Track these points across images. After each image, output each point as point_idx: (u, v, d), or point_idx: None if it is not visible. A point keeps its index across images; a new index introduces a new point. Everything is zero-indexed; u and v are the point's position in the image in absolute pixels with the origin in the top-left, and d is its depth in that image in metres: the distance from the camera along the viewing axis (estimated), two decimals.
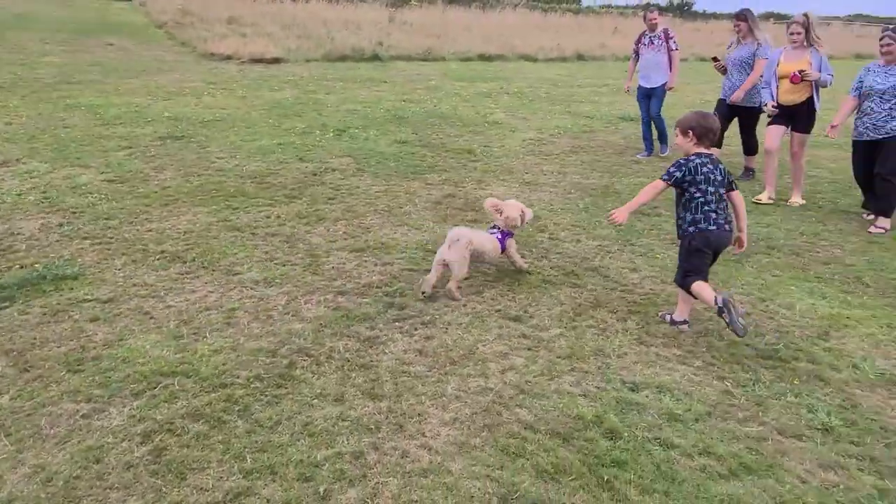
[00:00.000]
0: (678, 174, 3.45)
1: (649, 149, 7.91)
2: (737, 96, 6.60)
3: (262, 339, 3.31)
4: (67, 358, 3.06)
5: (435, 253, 3.91)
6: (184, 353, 3.14)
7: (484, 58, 18.52)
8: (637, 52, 7.84)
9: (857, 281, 4.37)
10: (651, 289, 4.11)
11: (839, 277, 4.42)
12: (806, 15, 5.85)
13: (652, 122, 7.84)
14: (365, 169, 6.66)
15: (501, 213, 4.08)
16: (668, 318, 3.69)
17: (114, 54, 14.46)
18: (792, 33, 5.88)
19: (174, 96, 10.15)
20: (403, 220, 5.19)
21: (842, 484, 2.46)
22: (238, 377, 2.96)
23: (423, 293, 3.80)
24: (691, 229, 3.46)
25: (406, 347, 3.29)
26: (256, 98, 10.42)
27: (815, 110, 5.91)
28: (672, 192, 3.61)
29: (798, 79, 5.76)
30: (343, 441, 2.57)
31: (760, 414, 2.87)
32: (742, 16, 6.71)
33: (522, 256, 4.36)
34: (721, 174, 3.48)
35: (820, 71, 5.76)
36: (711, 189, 3.43)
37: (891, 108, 5.26)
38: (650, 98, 7.75)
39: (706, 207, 3.43)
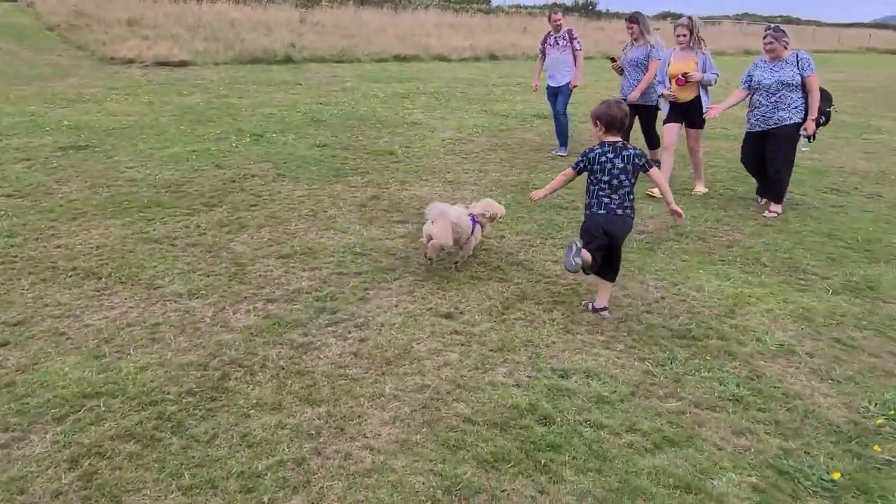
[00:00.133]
0: (581, 163, 3.71)
1: (564, 144, 8.21)
2: (633, 96, 6.95)
3: (190, 352, 3.22)
4: None
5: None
6: (107, 372, 3.01)
7: (399, 58, 18.57)
8: (543, 52, 8.08)
9: (756, 262, 4.75)
10: (573, 279, 4.31)
11: (740, 259, 4.79)
12: (690, 18, 6.22)
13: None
14: (286, 174, 6.56)
15: (493, 213, 4.54)
16: (590, 306, 3.88)
17: (0, 59, 13.44)
18: (678, 35, 6.21)
19: (74, 103, 9.58)
20: (329, 224, 5.16)
21: (752, 447, 2.69)
22: (168, 393, 2.87)
23: (429, 259, 4.28)
24: (586, 212, 3.76)
25: (341, 351, 3.30)
26: (164, 104, 10.01)
27: (706, 107, 6.26)
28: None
29: (682, 81, 6.10)
30: (284, 449, 2.56)
31: (678, 390, 3.09)
32: (634, 19, 7.05)
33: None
34: (623, 161, 3.63)
35: (705, 71, 6.11)
36: (606, 178, 3.65)
37: (777, 101, 5.70)
38: (557, 96, 8.02)
39: (600, 193, 3.67)
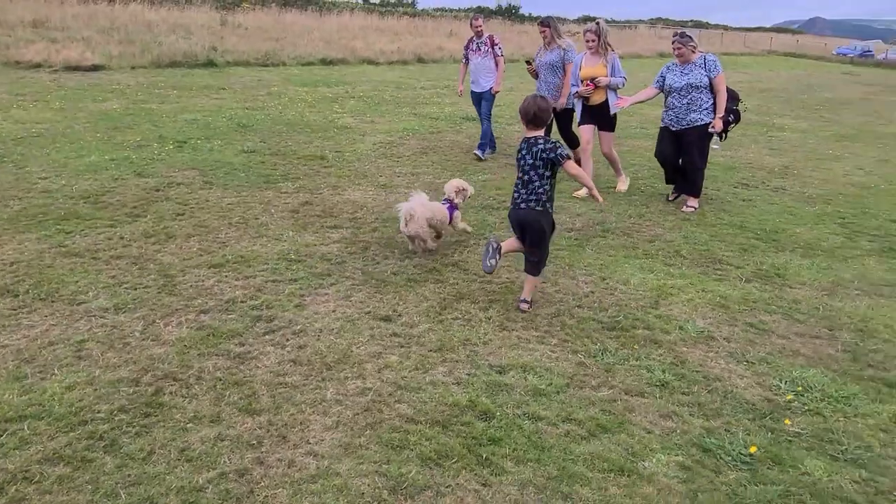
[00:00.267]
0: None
1: (493, 146, 8.37)
2: (561, 104, 7.02)
3: (120, 368, 3.11)
4: None
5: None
6: (30, 394, 2.87)
7: (326, 62, 18.37)
8: (467, 58, 8.15)
9: (677, 254, 5.03)
10: (507, 278, 4.43)
11: (662, 253, 5.05)
12: (598, 23, 6.43)
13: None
14: (213, 181, 6.39)
15: (465, 190, 5.02)
16: (523, 305, 4.00)
17: None
18: (587, 41, 6.39)
19: None
20: (261, 232, 5.08)
21: (678, 429, 2.87)
22: (99, 412, 2.77)
23: (414, 253, 4.69)
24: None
25: (280, 359, 3.27)
26: (78, 110, 9.52)
27: (613, 110, 6.42)
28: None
29: (592, 86, 6.30)
30: (225, 461, 2.53)
31: (610, 379, 3.24)
32: (546, 23, 7.17)
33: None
34: (533, 157, 3.75)
35: (613, 75, 6.32)
36: (520, 173, 3.84)
37: (688, 103, 6.02)
38: (481, 101, 8.11)
39: (516, 187, 3.87)
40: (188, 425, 2.72)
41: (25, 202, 5.45)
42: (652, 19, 59.89)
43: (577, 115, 6.75)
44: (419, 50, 21.77)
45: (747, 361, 3.47)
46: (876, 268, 4.94)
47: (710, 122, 5.96)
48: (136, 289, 3.97)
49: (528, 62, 7.43)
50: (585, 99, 6.46)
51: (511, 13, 42.39)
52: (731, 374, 3.34)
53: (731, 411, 3.01)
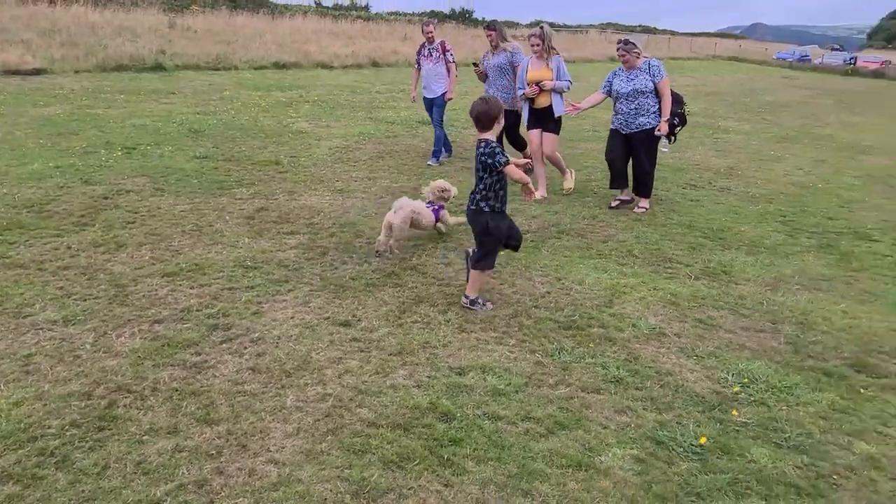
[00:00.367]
0: None
1: (448, 149, 8.42)
2: (519, 106, 7.14)
3: (71, 382, 3.03)
4: None
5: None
6: None
7: (279, 66, 18.16)
8: (419, 63, 8.14)
9: (629, 254, 5.17)
10: (465, 279, 4.47)
11: (615, 253, 5.19)
12: (542, 27, 6.52)
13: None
14: (164, 188, 6.25)
15: (447, 191, 5.23)
16: (486, 306, 4.05)
17: None
18: (532, 45, 6.46)
19: None
20: (216, 239, 5.00)
21: (632, 423, 2.96)
22: (49, 427, 2.69)
23: (376, 252, 4.79)
24: None
25: (238, 367, 3.24)
26: (19, 115, 9.17)
27: (558, 112, 6.52)
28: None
29: (537, 90, 6.40)
30: (183, 472, 2.49)
31: (567, 377, 3.32)
32: (492, 26, 7.26)
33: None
34: (476, 160, 3.85)
35: (558, 78, 6.42)
36: (475, 174, 3.92)
37: (636, 108, 6.17)
38: (433, 107, 8.11)
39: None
40: (144, 438, 2.67)
41: None
42: (602, 24, 61.20)
43: (524, 119, 6.83)
44: (374, 54, 21.72)
45: (697, 356, 3.61)
46: (814, 263, 5.18)
47: (657, 126, 6.14)
48: (85, 300, 3.86)
49: (475, 64, 7.44)
50: (531, 102, 6.54)
51: (464, 17, 42.66)
52: (682, 368, 3.47)
53: (682, 404, 3.13)
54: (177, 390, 3.01)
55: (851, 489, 2.59)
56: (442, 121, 8.12)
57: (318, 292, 4.17)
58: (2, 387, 2.95)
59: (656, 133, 6.13)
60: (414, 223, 4.92)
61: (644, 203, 6.46)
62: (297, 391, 3.06)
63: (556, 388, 3.22)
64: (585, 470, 2.62)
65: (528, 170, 4.12)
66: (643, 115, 6.14)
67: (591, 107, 6.56)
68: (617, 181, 6.50)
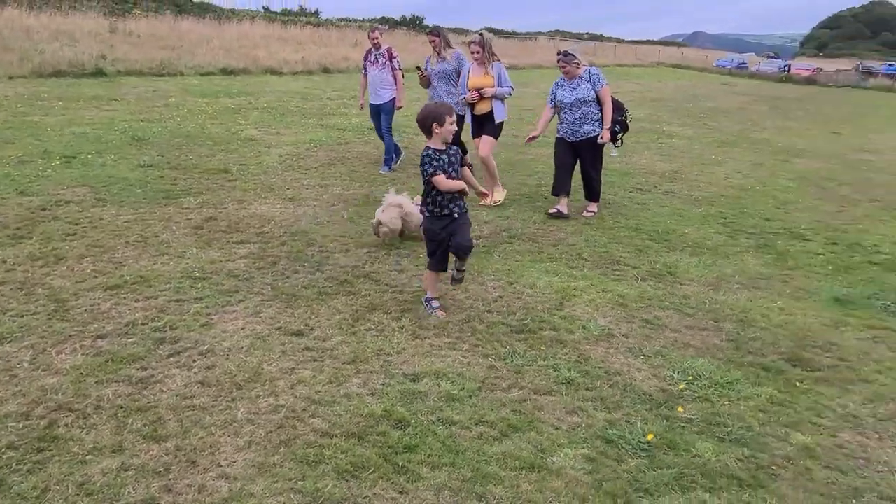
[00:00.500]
0: None
1: (398, 152, 8.33)
2: (464, 111, 7.15)
3: (7, 402, 2.90)
4: None
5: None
6: None
7: (227, 72, 17.81)
8: (365, 69, 8.05)
9: (579, 257, 5.29)
10: (419, 286, 4.49)
11: (565, 256, 5.30)
12: (482, 34, 6.54)
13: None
14: (107, 198, 6.05)
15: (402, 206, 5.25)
16: (437, 313, 4.08)
17: None
18: (473, 52, 6.49)
19: None
20: (162, 250, 4.87)
21: (583, 423, 3.03)
22: None
23: (376, 235, 5.18)
24: None
25: (186, 381, 3.16)
26: None
27: (499, 118, 6.55)
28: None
29: (478, 97, 6.44)
30: (129, 491, 2.42)
31: (519, 380, 3.37)
32: (436, 32, 7.24)
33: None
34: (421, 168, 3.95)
35: (500, 84, 6.46)
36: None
37: (581, 117, 6.28)
38: (380, 115, 8.02)
39: None
40: (87, 458, 2.58)
41: None
42: (551, 31, 62.43)
43: (469, 125, 6.82)
44: (324, 60, 21.56)
45: (644, 355, 3.71)
46: (753, 262, 5.41)
47: (600, 134, 6.26)
48: (22, 316, 3.71)
49: (418, 68, 7.34)
50: (471, 107, 6.56)
51: (415, 24, 42.80)
52: (630, 367, 3.57)
53: (630, 403, 3.21)
54: (122, 407, 2.92)
55: (789, 479, 2.72)
56: (391, 128, 8.09)
57: (269, 302, 4.11)
58: None
59: (599, 141, 6.27)
60: (405, 220, 5.14)
61: (592, 207, 6.61)
62: (249, 403, 3.02)
63: (509, 391, 3.27)
64: (538, 471, 2.67)
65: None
66: (588, 123, 6.27)
67: (547, 124, 6.53)
68: (559, 187, 6.48)
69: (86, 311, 3.83)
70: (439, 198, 3.93)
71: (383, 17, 47.71)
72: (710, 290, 4.74)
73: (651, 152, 10.62)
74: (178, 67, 16.83)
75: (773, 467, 2.78)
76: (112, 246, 4.88)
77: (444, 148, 3.91)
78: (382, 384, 3.25)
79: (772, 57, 71.99)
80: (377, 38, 7.91)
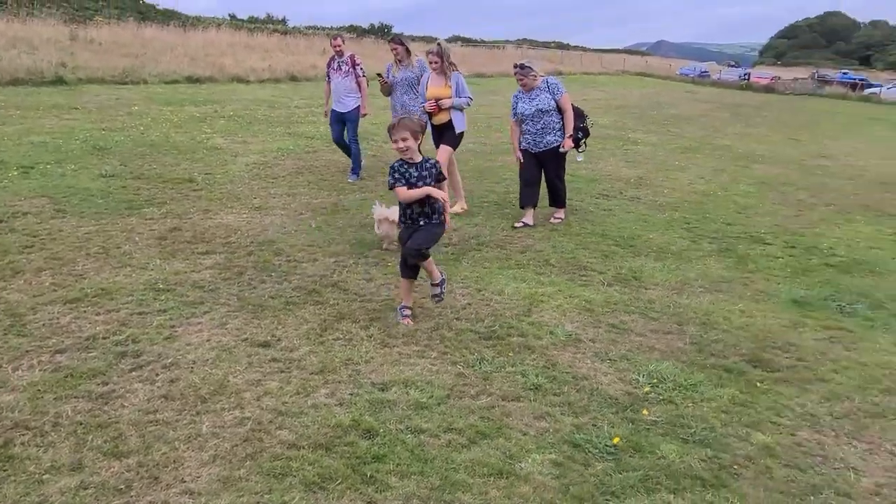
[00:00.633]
0: None
1: (356, 171, 8.08)
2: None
3: None
4: None
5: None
6: None
7: (192, 80, 17.56)
8: (329, 76, 8.00)
9: (546, 263, 5.34)
10: (387, 295, 4.48)
11: (533, 262, 5.34)
12: (439, 44, 6.49)
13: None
14: (66, 209, 5.91)
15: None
16: (404, 321, 4.07)
17: None
18: (431, 62, 6.45)
19: None
20: (124, 262, 4.77)
21: (551, 428, 3.06)
22: None
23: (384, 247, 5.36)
24: None
25: (149, 396, 3.10)
26: None
27: (459, 129, 6.51)
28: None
29: (436, 108, 6.40)
30: None
31: (488, 387, 3.39)
32: (398, 40, 7.21)
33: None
34: None
35: (458, 95, 6.43)
36: None
37: (542, 127, 6.31)
38: (344, 122, 7.93)
39: None
40: (44, 476, 2.51)
41: None
42: (518, 40, 63.05)
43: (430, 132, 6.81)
44: (292, 68, 21.41)
45: (610, 359, 3.77)
46: (715, 266, 5.54)
47: (561, 143, 6.31)
48: None
49: (379, 75, 7.26)
50: (429, 117, 6.49)
51: (384, 32, 42.87)
52: (597, 372, 3.61)
53: (597, 407, 3.25)
54: (81, 424, 2.85)
55: (750, 477, 2.78)
56: (357, 136, 8.04)
57: (235, 313, 4.06)
58: None
59: (561, 150, 6.34)
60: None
61: (560, 213, 6.68)
62: (214, 417, 2.97)
63: (478, 398, 3.28)
64: (506, 477, 2.68)
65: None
66: (549, 133, 6.31)
67: (519, 137, 6.50)
68: (527, 200, 6.46)
69: (44, 325, 3.73)
70: (408, 210, 3.99)
71: (351, 25, 47.65)
72: (674, 294, 4.83)
73: (617, 159, 10.80)
74: (142, 75, 16.53)
75: (735, 467, 2.84)
76: (72, 258, 4.77)
77: (416, 161, 3.94)
78: (350, 394, 3.23)
79: (732, 65, 73.98)
80: (339, 46, 7.86)
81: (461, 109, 6.52)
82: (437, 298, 4.19)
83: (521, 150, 6.52)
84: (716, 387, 3.51)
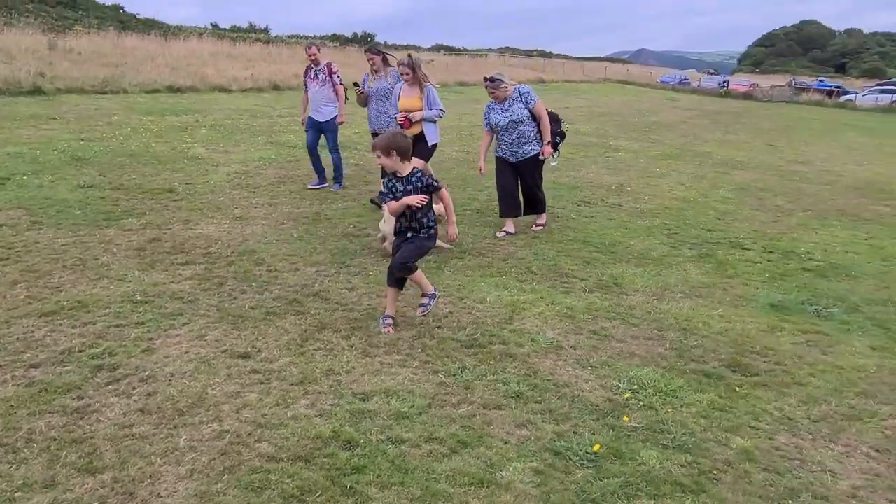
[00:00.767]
0: None
1: (320, 176, 8.05)
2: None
3: None
4: None
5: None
6: None
7: (173, 89, 17.43)
8: (306, 85, 7.95)
9: (528, 271, 5.36)
10: (369, 304, 4.47)
11: (515, 270, 5.36)
12: (410, 55, 6.50)
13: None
14: (43, 221, 5.83)
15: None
16: (384, 330, 4.06)
17: None
18: (402, 74, 6.43)
19: None
20: (102, 273, 4.71)
21: (532, 436, 3.06)
22: None
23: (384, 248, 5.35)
24: None
25: (125, 409, 3.06)
26: None
27: (431, 141, 6.50)
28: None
29: (407, 123, 6.36)
30: None
31: (469, 395, 3.38)
32: (376, 50, 7.22)
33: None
34: None
35: (430, 107, 6.42)
36: None
37: (517, 138, 6.30)
38: (321, 131, 7.86)
39: None
40: (16, 494, 2.46)
41: None
42: (501, 48, 63.46)
43: None
44: (274, 77, 21.33)
45: (591, 366, 3.78)
46: (695, 272, 5.59)
47: (540, 150, 6.33)
48: None
49: (355, 84, 7.23)
50: (401, 127, 6.40)
51: (367, 41, 42.94)
52: (578, 379, 3.62)
53: (578, 414, 3.26)
54: (55, 439, 2.80)
55: (729, 482, 2.80)
56: (337, 145, 8.01)
57: (215, 324, 4.02)
58: None
59: (540, 158, 6.37)
60: None
61: (541, 220, 6.71)
62: (191, 430, 2.93)
63: (459, 407, 3.27)
64: (487, 486, 2.67)
65: None
66: (525, 142, 6.29)
67: (488, 149, 6.52)
68: (507, 210, 6.45)
69: (18, 339, 3.67)
70: (396, 223, 4.11)
71: (334, 35, 47.70)
72: (655, 300, 4.86)
73: (598, 166, 10.88)
74: (122, 85, 16.38)
75: (715, 472, 2.86)
76: (48, 270, 4.70)
77: (404, 174, 3.99)
78: (331, 404, 3.21)
79: (711, 73, 75.01)
80: (315, 55, 7.82)
81: (433, 121, 6.50)
82: (422, 309, 4.18)
83: (497, 157, 6.52)
84: (695, 392, 3.53)
